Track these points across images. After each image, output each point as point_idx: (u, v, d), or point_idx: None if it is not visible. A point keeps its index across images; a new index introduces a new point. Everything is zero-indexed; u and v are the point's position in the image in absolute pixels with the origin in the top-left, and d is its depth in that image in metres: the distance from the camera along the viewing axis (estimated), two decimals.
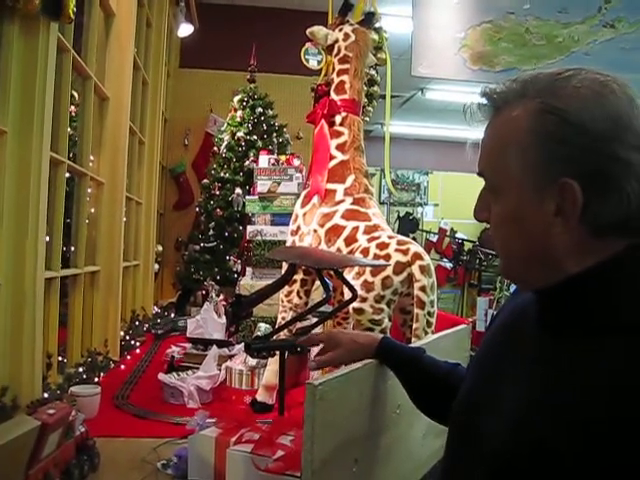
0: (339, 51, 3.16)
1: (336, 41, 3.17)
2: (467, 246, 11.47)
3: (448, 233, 12.24)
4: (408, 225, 12.46)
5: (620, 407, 0.84)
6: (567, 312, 0.98)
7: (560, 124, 0.93)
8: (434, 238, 12.28)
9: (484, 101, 1.04)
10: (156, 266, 6.66)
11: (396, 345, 1.58)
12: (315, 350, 3.34)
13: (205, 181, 6.95)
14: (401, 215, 12.59)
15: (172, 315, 6.19)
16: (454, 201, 12.27)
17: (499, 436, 0.97)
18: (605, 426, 0.84)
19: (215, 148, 7.24)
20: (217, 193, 6.68)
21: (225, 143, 6.82)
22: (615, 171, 0.91)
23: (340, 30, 3.18)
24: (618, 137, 0.91)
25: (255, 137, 6.70)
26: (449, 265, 11.92)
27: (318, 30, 3.20)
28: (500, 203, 1.00)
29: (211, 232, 6.63)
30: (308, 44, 4.01)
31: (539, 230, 0.96)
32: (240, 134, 6.73)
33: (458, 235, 12.00)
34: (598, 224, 0.93)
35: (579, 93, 0.94)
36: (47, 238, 3.06)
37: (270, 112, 6.94)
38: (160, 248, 7.14)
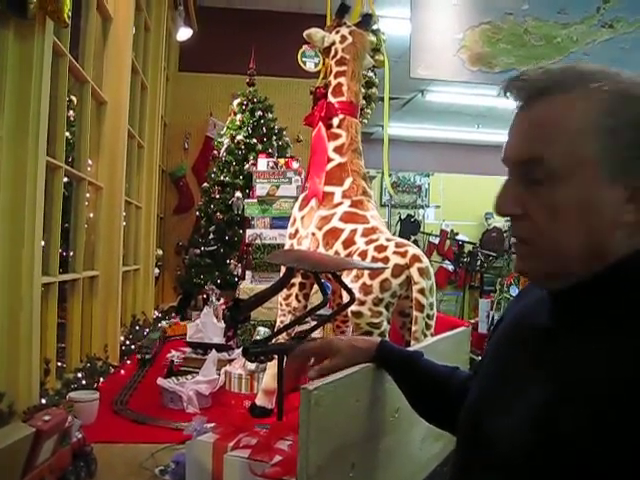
0: (336, 53, 3.15)
1: (333, 43, 3.16)
2: (467, 248, 11.47)
3: (449, 235, 12.24)
4: (410, 227, 12.47)
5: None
6: (595, 304, 0.97)
7: (635, 109, 0.94)
8: (436, 240, 12.28)
9: (523, 85, 1.00)
10: (156, 270, 6.64)
11: (394, 348, 1.56)
12: None
13: (205, 185, 6.94)
14: (402, 217, 12.60)
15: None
16: (456, 203, 12.30)
17: (516, 437, 0.95)
18: (630, 421, 0.83)
19: (215, 152, 7.24)
20: (217, 197, 6.68)
21: (225, 147, 6.82)
22: None
23: (337, 32, 3.17)
24: None
25: (255, 140, 6.69)
26: (451, 267, 11.93)
27: (315, 32, 3.19)
28: (563, 190, 0.95)
29: (211, 236, 6.63)
30: (305, 47, 4.03)
31: (607, 218, 0.94)
32: (240, 137, 6.72)
33: (459, 237, 12.01)
34: None
35: (633, 81, 0.96)
36: (44, 243, 3.05)
37: (270, 115, 6.94)
38: (160, 252, 7.14)
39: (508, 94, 1.03)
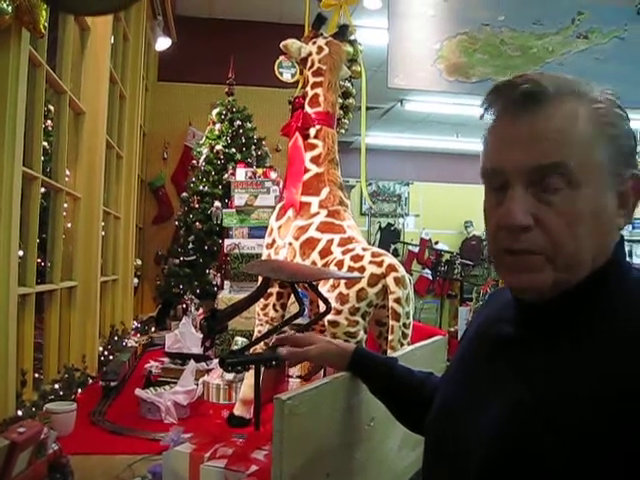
0: (313, 64, 3.16)
1: (310, 54, 3.17)
2: (446, 257, 11.52)
3: (428, 244, 12.29)
4: (389, 236, 12.51)
5: (607, 408, 0.85)
6: (557, 314, 0.99)
7: (625, 120, 1.00)
8: (415, 249, 12.32)
9: (533, 87, 0.98)
10: (135, 280, 6.62)
11: (370, 354, 1.58)
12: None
13: (184, 194, 6.92)
14: (382, 226, 12.64)
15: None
16: (435, 211, 12.36)
17: (483, 441, 0.97)
18: (589, 427, 0.85)
19: (194, 161, 7.23)
20: (196, 206, 6.67)
21: (204, 156, 6.81)
22: None
23: (314, 43, 3.19)
24: None
25: (234, 150, 6.69)
26: (431, 276, 11.97)
27: (291, 43, 3.21)
28: (580, 198, 0.94)
29: (190, 245, 6.61)
30: (282, 57, 4.03)
31: (610, 223, 0.98)
32: (219, 147, 6.72)
33: (438, 246, 12.06)
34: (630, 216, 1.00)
35: (607, 94, 1.01)
36: (21, 254, 3.03)
37: (249, 125, 6.94)
38: (139, 262, 7.11)
39: (497, 99, 1.02)
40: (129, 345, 4.74)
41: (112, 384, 3.72)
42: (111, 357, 4.49)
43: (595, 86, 1.00)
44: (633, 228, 10.07)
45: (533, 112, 0.97)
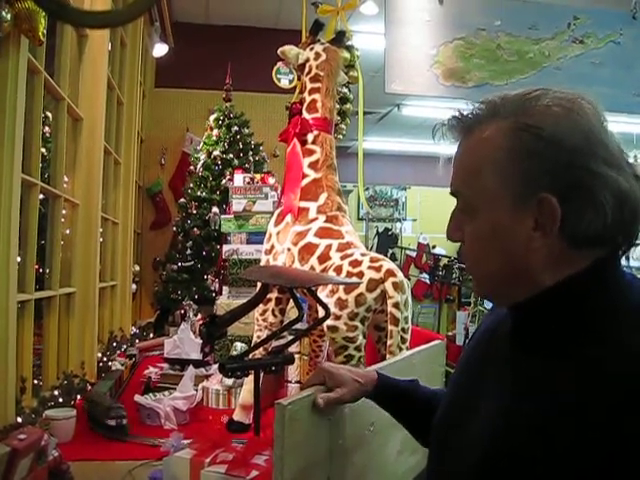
0: (310, 70, 3.18)
1: (307, 60, 3.19)
2: (443, 261, 11.52)
3: (426, 248, 12.29)
4: (387, 240, 12.53)
5: (595, 418, 0.87)
6: (538, 325, 1.00)
7: (535, 141, 0.96)
8: (413, 253, 12.33)
9: (454, 122, 1.07)
10: (134, 286, 6.61)
11: (391, 383, 1.53)
12: (291, 369, 3.35)
13: (182, 200, 6.92)
14: (380, 231, 12.65)
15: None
16: (432, 216, 12.35)
17: (478, 449, 0.98)
18: (579, 436, 0.87)
19: (191, 167, 7.23)
20: (194, 212, 6.66)
21: (201, 162, 6.81)
22: (590, 184, 0.94)
23: (311, 49, 3.20)
24: (590, 151, 0.95)
25: (231, 156, 6.69)
26: (429, 280, 11.97)
27: (289, 49, 3.22)
28: (476, 221, 1.02)
29: (188, 251, 6.60)
30: (280, 63, 4.05)
31: (518, 246, 0.98)
32: (216, 153, 6.72)
33: (436, 250, 12.06)
34: (575, 237, 0.97)
35: (551, 111, 0.97)
36: (20, 260, 3.04)
37: (246, 130, 6.94)
38: (137, 268, 7.10)
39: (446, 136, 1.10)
40: (114, 368, 4.29)
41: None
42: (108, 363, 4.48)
43: (546, 99, 0.99)
44: None
45: (460, 144, 1.08)
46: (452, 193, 1.08)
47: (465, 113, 1.06)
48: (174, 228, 7.06)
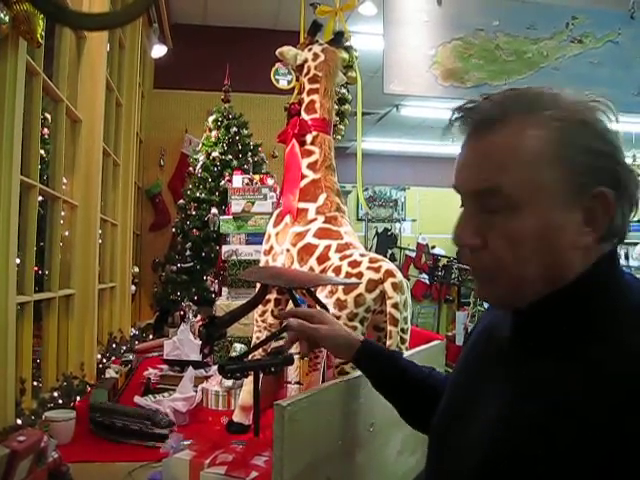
0: (309, 71, 3.18)
1: (305, 61, 3.19)
2: (442, 261, 11.52)
3: (426, 249, 12.29)
4: (386, 241, 12.54)
5: (596, 419, 0.87)
6: (540, 326, 1.00)
7: (586, 135, 0.96)
8: (413, 254, 12.33)
9: (471, 115, 1.02)
10: (133, 287, 6.61)
11: (377, 346, 1.60)
12: (291, 370, 3.34)
13: (181, 201, 6.92)
14: (379, 231, 12.66)
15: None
16: (432, 216, 12.38)
17: (477, 449, 0.98)
18: (580, 436, 0.87)
19: (190, 168, 7.23)
20: (193, 213, 6.66)
21: (200, 163, 6.81)
22: (625, 178, 0.97)
23: (309, 50, 3.20)
24: (620, 146, 0.98)
25: (230, 157, 6.69)
26: (429, 281, 11.97)
27: (287, 50, 3.22)
28: (518, 219, 0.96)
29: (188, 252, 6.60)
30: (278, 64, 4.05)
31: (565, 243, 0.97)
32: (215, 154, 6.72)
33: (435, 251, 12.07)
34: (608, 232, 0.98)
35: (586, 106, 0.98)
36: (19, 262, 3.04)
37: (245, 131, 6.93)
38: (137, 269, 7.10)
39: (455, 127, 1.06)
40: (108, 376, 4.05)
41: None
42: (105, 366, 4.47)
43: (567, 97, 1.00)
44: (629, 231, 10.08)
45: (480, 137, 1.01)
46: (486, 190, 0.99)
47: (482, 105, 1.02)
48: (173, 229, 7.07)
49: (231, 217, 4.75)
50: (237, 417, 3.07)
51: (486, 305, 1.46)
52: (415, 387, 1.48)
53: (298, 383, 3.35)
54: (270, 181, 4.85)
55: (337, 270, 2.71)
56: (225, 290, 4.63)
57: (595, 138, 0.96)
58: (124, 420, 3.05)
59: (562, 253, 0.97)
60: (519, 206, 0.96)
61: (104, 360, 4.59)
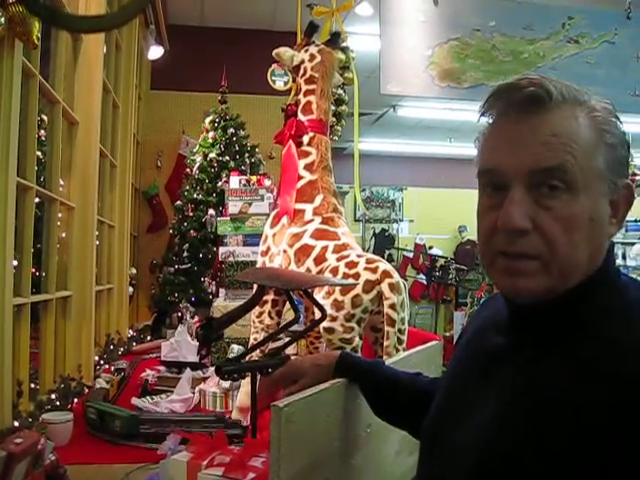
0: (305, 72, 3.18)
1: (302, 62, 3.19)
2: (440, 262, 11.52)
3: (423, 249, 12.29)
4: (384, 241, 12.53)
5: (594, 418, 0.87)
6: (538, 324, 1.00)
7: (619, 127, 0.99)
8: (410, 254, 12.33)
9: (539, 91, 0.97)
10: (130, 289, 6.61)
11: (354, 358, 1.58)
12: None
13: (178, 203, 6.91)
14: (377, 232, 12.65)
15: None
16: (429, 216, 12.38)
17: (472, 450, 0.98)
18: (571, 433, 0.87)
19: (188, 169, 7.22)
20: (191, 214, 6.66)
21: (197, 164, 6.80)
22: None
23: (306, 51, 3.20)
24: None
25: (227, 158, 6.68)
26: (426, 281, 11.97)
27: (284, 51, 3.22)
28: (579, 203, 0.94)
29: (185, 254, 6.59)
30: (274, 65, 4.04)
31: (604, 230, 0.97)
32: (212, 155, 6.71)
33: (432, 251, 12.07)
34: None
35: (605, 105, 1.02)
36: (15, 264, 3.03)
37: (242, 132, 6.93)
38: (134, 271, 7.10)
39: (499, 100, 1.00)
40: (98, 386, 3.86)
41: None
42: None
43: (592, 94, 1.01)
44: (627, 231, 10.11)
45: (536, 115, 0.96)
46: (549, 168, 0.94)
47: (523, 84, 0.97)
48: (170, 231, 7.06)
49: (228, 218, 4.75)
50: (235, 418, 3.07)
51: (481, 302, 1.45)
52: (395, 394, 1.49)
53: None
54: (267, 182, 4.85)
55: (334, 271, 2.71)
56: (222, 291, 4.63)
57: (623, 135, 1.00)
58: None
59: (602, 242, 0.98)
60: (578, 189, 0.94)
61: (101, 362, 4.59)
